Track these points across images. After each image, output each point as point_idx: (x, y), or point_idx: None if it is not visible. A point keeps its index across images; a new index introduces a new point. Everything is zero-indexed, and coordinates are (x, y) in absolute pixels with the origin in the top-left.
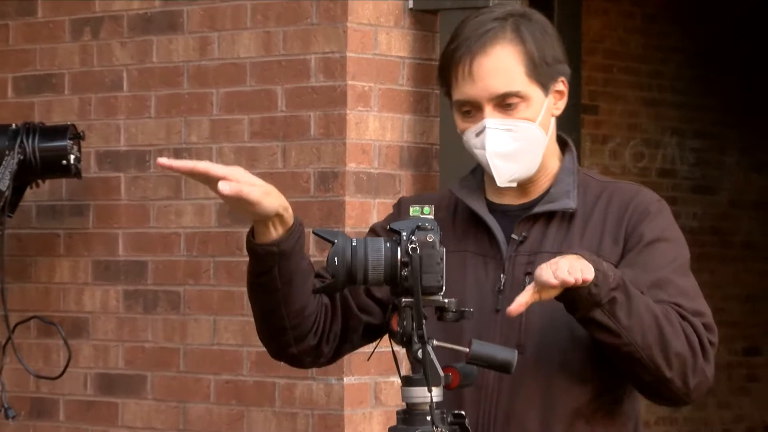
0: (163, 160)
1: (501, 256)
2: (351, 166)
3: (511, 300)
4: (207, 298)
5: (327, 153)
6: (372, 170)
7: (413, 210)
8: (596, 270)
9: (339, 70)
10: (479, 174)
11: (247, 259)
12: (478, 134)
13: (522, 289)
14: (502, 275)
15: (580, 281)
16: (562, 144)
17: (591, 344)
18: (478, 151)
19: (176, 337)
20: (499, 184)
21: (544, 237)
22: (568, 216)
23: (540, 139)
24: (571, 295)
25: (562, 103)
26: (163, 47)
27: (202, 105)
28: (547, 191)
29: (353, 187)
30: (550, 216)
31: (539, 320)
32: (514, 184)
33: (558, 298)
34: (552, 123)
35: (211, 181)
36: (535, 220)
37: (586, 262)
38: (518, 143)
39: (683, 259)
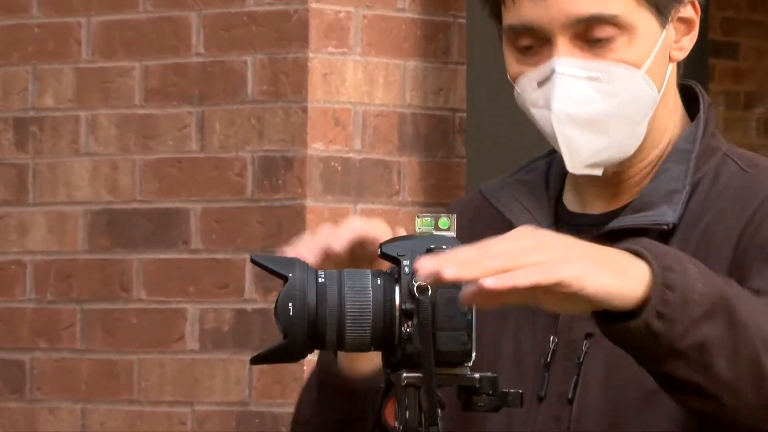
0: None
1: None
2: (316, 147)
3: (561, 381)
4: (71, 373)
5: (275, 125)
6: (352, 155)
7: (422, 223)
8: (665, 286)
9: None
10: (556, 164)
11: (139, 307)
12: (541, 83)
13: (576, 360)
14: (552, 337)
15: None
16: (689, 103)
17: None
18: (537, 113)
19: None
20: (570, 169)
21: None
22: (670, 231)
23: (646, 98)
24: (614, 328)
25: (688, 40)
26: None
27: (63, 44)
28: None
29: (319, 184)
30: (641, 233)
31: (598, 416)
32: (599, 172)
33: (609, 336)
34: (670, 72)
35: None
36: (617, 239)
37: (601, 261)
38: (609, 102)
39: None
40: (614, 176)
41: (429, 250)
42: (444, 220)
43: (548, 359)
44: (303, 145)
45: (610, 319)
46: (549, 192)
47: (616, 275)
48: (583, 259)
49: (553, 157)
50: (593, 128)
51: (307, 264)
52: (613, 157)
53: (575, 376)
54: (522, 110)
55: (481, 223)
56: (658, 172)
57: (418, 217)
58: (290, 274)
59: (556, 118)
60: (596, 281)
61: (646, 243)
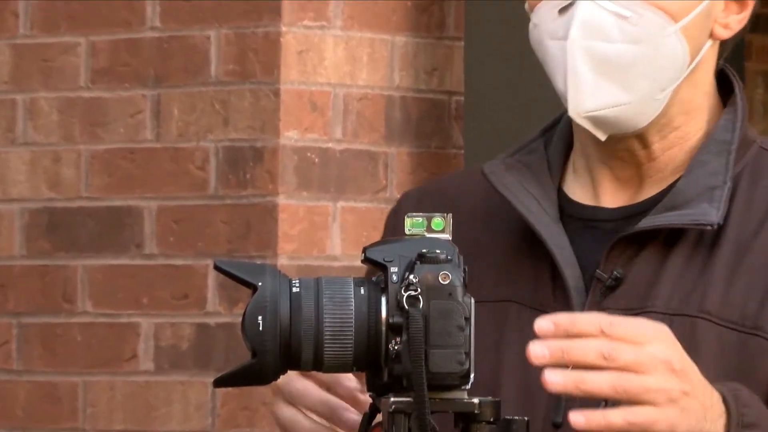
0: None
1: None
2: (289, 136)
3: (582, 405)
4: (6, 397)
5: (242, 110)
6: (332, 144)
7: (412, 223)
8: None
9: None
10: (561, 137)
11: (84, 321)
12: (563, 10)
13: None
14: None
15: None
16: (724, 91)
17: None
18: (554, 45)
19: None
20: (571, 112)
21: (657, 277)
22: (711, 234)
23: (675, 59)
24: None
25: (737, 22)
26: None
27: None
28: (675, 183)
29: (294, 178)
30: (674, 234)
31: None
32: (602, 135)
33: None
34: (707, 49)
35: None
36: (644, 241)
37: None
38: (630, 47)
39: None
40: (636, 165)
41: (420, 256)
42: (438, 221)
43: None
44: (275, 134)
45: None
46: (552, 176)
47: None
48: (681, 413)
49: (548, 137)
50: (608, 73)
51: (280, 271)
52: (622, 118)
53: (603, 401)
54: (534, 49)
55: (496, 208)
56: (693, 165)
57: (407, 216)
58: (260, 283)
59: (570, 47)
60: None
61: (752, 411)
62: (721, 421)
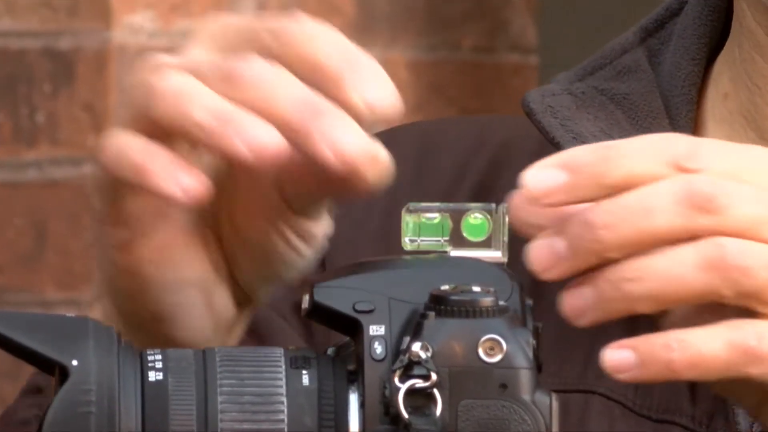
0: None
1: None
2: (134, 25)
3: None
4: None
5: None
6: None
7: (417, 224)
8: None
9: None
10: (689, 47)
11: None
12: None
13: None
14: None
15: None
16: None
17: None
18: None
19: None
20: None
21: None
22: None
23: None
24: None
25: None
26: None
27: None
28: None
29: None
30: None
31: None
32: None
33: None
34: None
35: None
36: None
37: None
38: None
39: None
40: None
41: (438, 300)
42: (477, 219)
43: None
44: (101, 21)
45: None
46: (674, 125)
47: None
48: None
49: (654, 45)
50: None
51: (118, 334)
52: None
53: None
54: None
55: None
56: None
57: (407, 211)
58: (74, 362)
59: None
60: None
61: None
62: None
